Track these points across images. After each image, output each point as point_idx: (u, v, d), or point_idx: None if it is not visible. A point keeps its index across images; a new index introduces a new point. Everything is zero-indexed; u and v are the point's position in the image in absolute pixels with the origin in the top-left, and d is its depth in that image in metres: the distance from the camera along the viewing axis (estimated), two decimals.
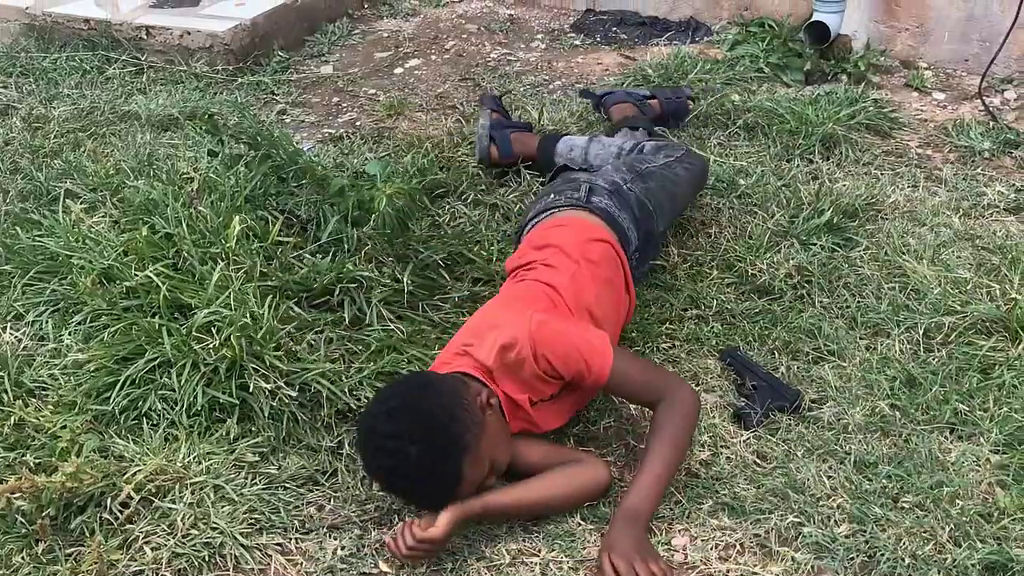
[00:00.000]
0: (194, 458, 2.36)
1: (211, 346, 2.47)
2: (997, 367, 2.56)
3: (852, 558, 2.15)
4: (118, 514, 2.24)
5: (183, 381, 2.45)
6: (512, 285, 2.60)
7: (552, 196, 2.84)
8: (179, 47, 4.54)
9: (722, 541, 2.21)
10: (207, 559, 2.18)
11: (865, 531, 2.19)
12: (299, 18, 4.82)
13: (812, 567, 2.15)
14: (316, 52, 4.72)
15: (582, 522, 2.27)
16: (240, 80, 4.37)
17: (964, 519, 2.20)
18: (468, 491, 2.17)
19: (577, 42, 4.70)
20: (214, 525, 2.23)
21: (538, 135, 3.46)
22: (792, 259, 2.94)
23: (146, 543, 2.20)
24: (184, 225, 2.82)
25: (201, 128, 3.15)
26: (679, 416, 2.27)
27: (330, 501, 2.35)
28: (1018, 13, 3.93)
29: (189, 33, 4.53)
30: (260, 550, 2.22)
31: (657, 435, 2.25)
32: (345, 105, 4.20)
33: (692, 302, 2.90)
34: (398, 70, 4.52)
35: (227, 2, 4.81)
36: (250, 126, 3.14)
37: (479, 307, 2.60)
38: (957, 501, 2.25)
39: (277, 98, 4.27)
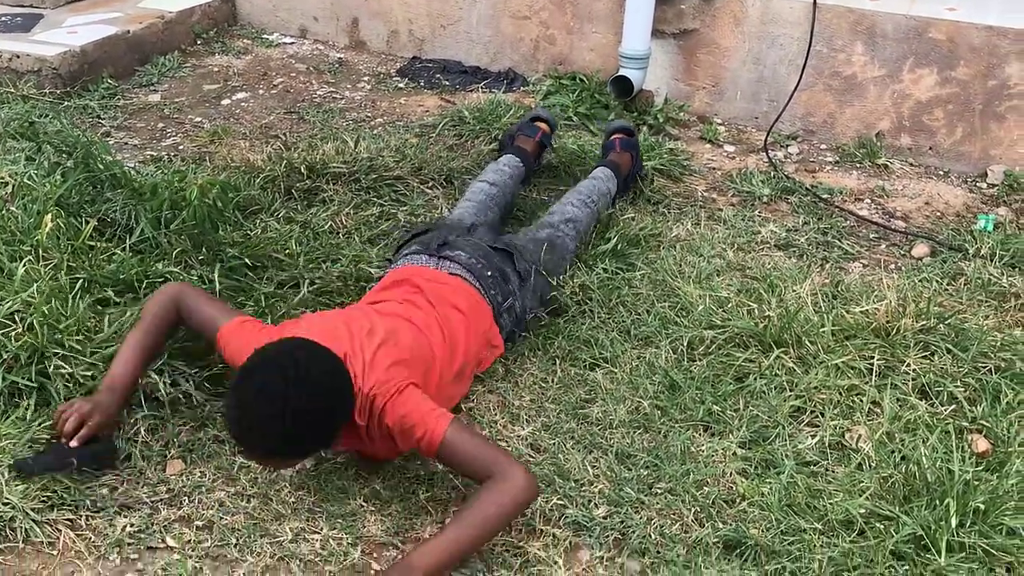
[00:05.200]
0: None
1: (13, 333, 2.56)
2: (751, 375, 2.84)
3: (608, 535, 2.37)
4: None
5: None
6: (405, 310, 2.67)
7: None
8: (7, 69, 4.59)
9: None
10: None
11: (621, 512, 2.42)
12: (130, 49, 4.92)
13: (570, 543, 2.35)
14: (145, 82, 4.82)
15: (364, 503, 2.43)
16: (67, 103, 4.45)
17: (708, 503, 2.45)
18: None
19: (401, 85, 4.93)
20: (6, 500, 2.31)
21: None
22: (578, 279, 3.18)
23: None
24: None
25: (20, 136, 3.24)
26: (501, 494, 2.23)
27: (123, 483, 2.45)
28: (800, 77, 4.34)
29: (18, 56, 4.59)
30: (50, 525, 2.31)
31: (470, 504, 2.25)
32: (170, 131, 4.32)
33: None
34: (225, 101, 4.67)
35: (59, 29, 4.89)
36: (68, 136, 3.24)
37: (282, 307, 2.78)
38: (704, 488, 2.50)
39: (103, 121, 4.35)
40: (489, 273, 2.90)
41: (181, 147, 4.12)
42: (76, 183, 3.09)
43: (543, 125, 3.95)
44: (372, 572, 2.28)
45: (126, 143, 4.14)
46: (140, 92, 4.72)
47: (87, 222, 2.97)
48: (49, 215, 2.81)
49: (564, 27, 4.85)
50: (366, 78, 5.01)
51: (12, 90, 4.49)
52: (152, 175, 3.22)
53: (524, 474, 2.26)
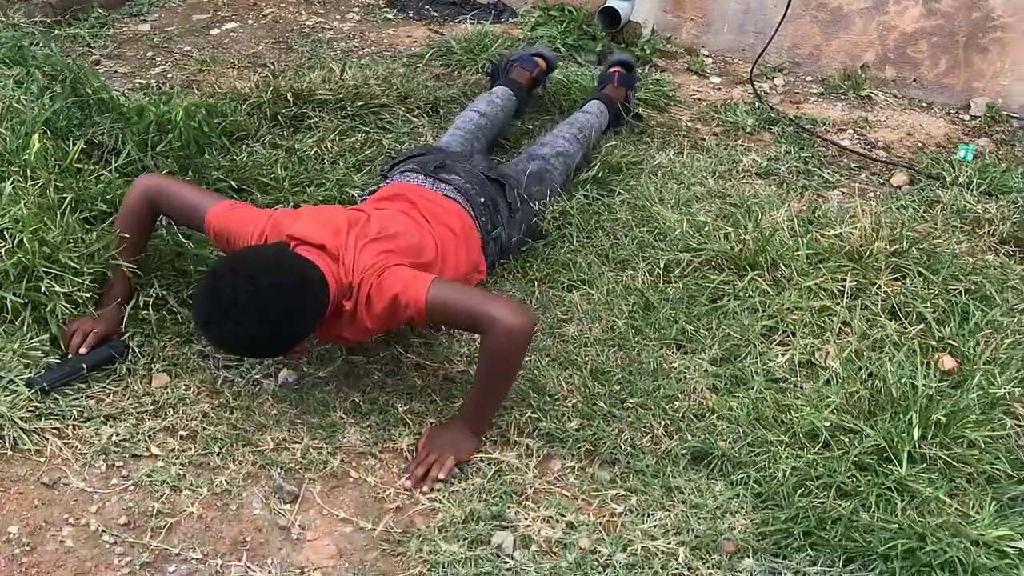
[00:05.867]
0: None
1: (3, 251, 2.60)
2: (725, 296, 2.90)
3: (579, 447, 2.45)
4: None
5: None
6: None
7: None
8: None
9: None
10: None
11: (593, 425, 2.50)
12: None
13: (543, 453, 2.43)
14: (135, 12, 4.83)
15: (344, 416, 2.52)
16: (57, 32, 4.46)
17: (678, 417, 2.53)
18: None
19: (390, 16, 4.94)
20: None
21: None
22: (558, 205, 3.23)
23: None
24: None
25: (8, 61, 3.27)
26: (498, 349, 2.35)
27: (109, 396, 2.52)
28: (787, 9, 4.35)
29: None
30: (38, 434, 2.38)
31: (480, 367, 2.41)
32: (159, 60, 4.34)
33: None
34: (214, 31, 4.68)
35: None
36: (57, 61, 3.27)
37: None
38: (674, 402, 2.57)
39: (92, 50, 4.37)
40: (482, 200, 2.95)
41: (170, 75, 4.15)
42: (64, 107, 3.12)
43: (541, 61, 3.95)
44: (405, 447, 2.44)
45: (115, 72, 4.17)
46: (130, 22, 4.74)
47: (75, 144, 3.00)
48: (36, 135, 2.85)
49: None
50: (355, 9, 5.02)
51: (2, 18, 4.50)
52: (139, 100, 3.25)
53: (512, 313, 2.33)
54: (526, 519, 2.26)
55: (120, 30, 4.62)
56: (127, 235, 2.64)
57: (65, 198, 2.76)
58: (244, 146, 3.44)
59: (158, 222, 2.77)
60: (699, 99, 4.26)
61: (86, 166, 2.98)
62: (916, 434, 2.36)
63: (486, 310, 2.33)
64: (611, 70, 3.94)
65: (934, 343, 2.73)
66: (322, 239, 2.43)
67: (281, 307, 2.26)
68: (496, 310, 2.33)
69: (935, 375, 2.59)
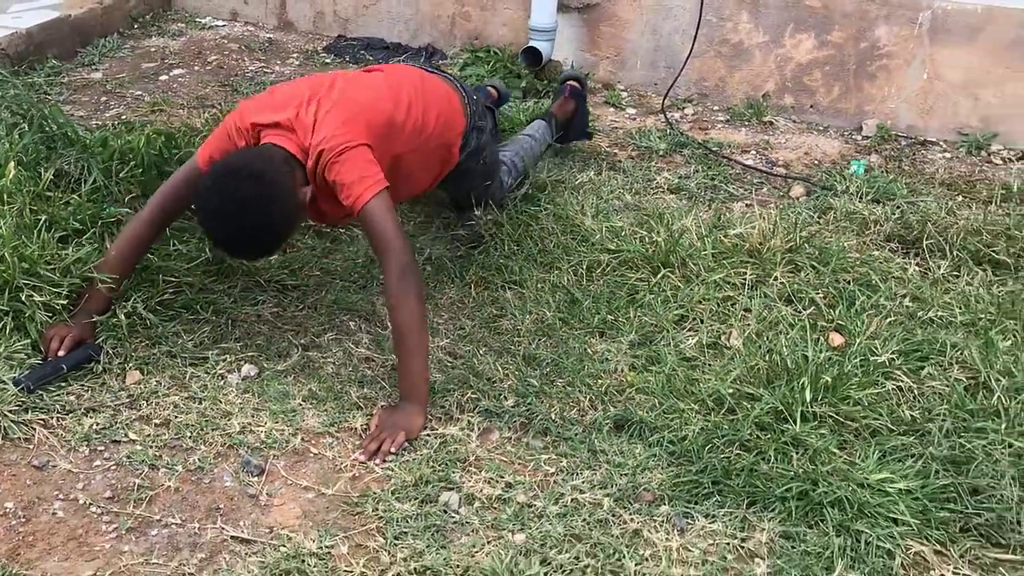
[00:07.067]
0: None
1: None
2: (641, 291, 3.25)
3: (515, 420, 2.75)
4: None
5: None
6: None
7: None
8: None
9: None
10: None
11: (526, 402, 2.80)
12: (72, 31, 5.22)
13: (483, 427, 2.73)
14: (88, 61, 5.13)
15: (303, 402, 2.79)
16: (15, 81, 4.73)
17: (602, 391, 2.84)
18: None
19: (328, 61, 5.28)
20: None
21: None
22: (490, 217, 3.56)
23: None
24: None
25: None
26: (401, 309, 2.68)
27: (88, 392, 2.78)
28: (693, 45, 4.75)
29: None
30: (26, 424, 2.64)
31: (395, 335, 2.75)
32: (112, 103, 4.63)
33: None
34: (163, 77, 4.99)
35: (4, 15, 5.16)
36: (25, 100, 3.55)
37: None
38: (598, 380, 2.89)
39: (50, 96, 4.63)
40: (475, 97, 3.33)
41: (124, 116, 4.43)
42: (32, 142, 3.40)
43: (493, 91, 4.24)
44: (359, 427, 2.72)
45: (72, 115, 4.43)
46: (83, 70, 5.03)
47: (45, 173, 3.28)
48: (12, 164, 3.12)
49: (478, 4, 5.23)
50: (295, 55, 5.35)
51: None
52: (102, 133, 3.54)
53: (406, 255, 2.70)
54: (469, 481, 2.54)
55: (74, 78, 4.91)
56: (117, 254, 2.93)
57: (40, 219, 3.04)
58: None
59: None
60: (616, 128, 4.64)
61: (55, 193, 3.25)
62: (808, 396, 2.69)
63: (392, 241, 2.69)
64: (566, 83, 4.30)
65: (824, 323, 3.09)
66: (275, 118, 2.78)
67: (255, 194, 2.62)
68: (397, 243, 2.69)
69: (825, 349, 2.94)
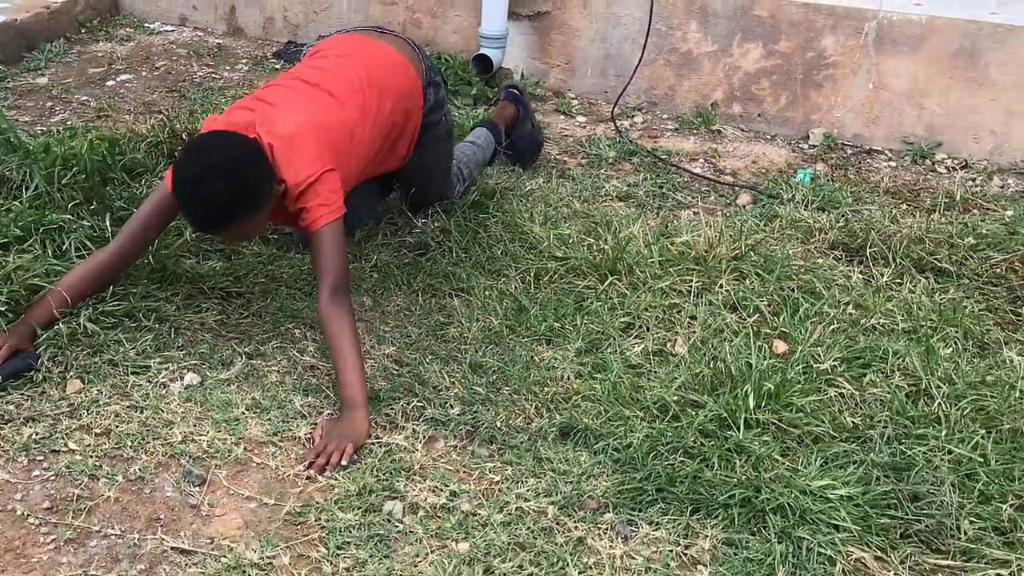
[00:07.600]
0: None
1: None
2: (588, 299, 3.25)
3: (461, 428, 2.74)
4: None
5: None
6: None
7: None
8: None
9: None
10: None
11: (472, 410, 2.79)
12: (17, 35, 5.16)
13: (429, 436, 2.72)
14: (33, 67, 5.07)
15: (245, 411, 2.76)
16: None
17: (548, 399, 2.84)
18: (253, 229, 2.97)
19: (277, 67, 5.26)
20: None
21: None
22: (438, 224, 3.56)
23: None
24: None
25: None
26: (333, 326, 2.76)
27: (27, 401, 2.74)
28: (642, 53, 4.78)
29: None
30: None
31: (332, 348, 2.78)
32: (58, 109, 4.58)
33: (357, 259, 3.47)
34: (110, 82, 4.94)
35: None
36: None
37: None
38: (544, 387, 2.89)
39: None
40: (428, 54, 3.41)
41: (69, 122, 4.39)
42: None
43: None
44: (303, 436, 2.70)
45: (17, 120, 4.39)
46: (28, 76, 4.97)
47: None
48: None
49: (429, 11, 5.23)
50: (244, 60, 5.32)
51: None
52: (44, 139, 3.50)
53: (335, 287, 2.79)
54: (414, 490, 2.53)
55: (19, 83, 4.85)
56: (80, 275, 2.94)
57: None
58: (144, 180, 3.69)
59: None
60: (566, 136, 4.65)
61: None
62: (752, 403, 2.71)
63: (334, 266, 2.81)
64: (508, 90, 4.34)
65: (769, 330, 3.11)
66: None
67: (243, 152, 2.77)
68: (338, 268, 2.82)
69: (768, 356, 2.96)
